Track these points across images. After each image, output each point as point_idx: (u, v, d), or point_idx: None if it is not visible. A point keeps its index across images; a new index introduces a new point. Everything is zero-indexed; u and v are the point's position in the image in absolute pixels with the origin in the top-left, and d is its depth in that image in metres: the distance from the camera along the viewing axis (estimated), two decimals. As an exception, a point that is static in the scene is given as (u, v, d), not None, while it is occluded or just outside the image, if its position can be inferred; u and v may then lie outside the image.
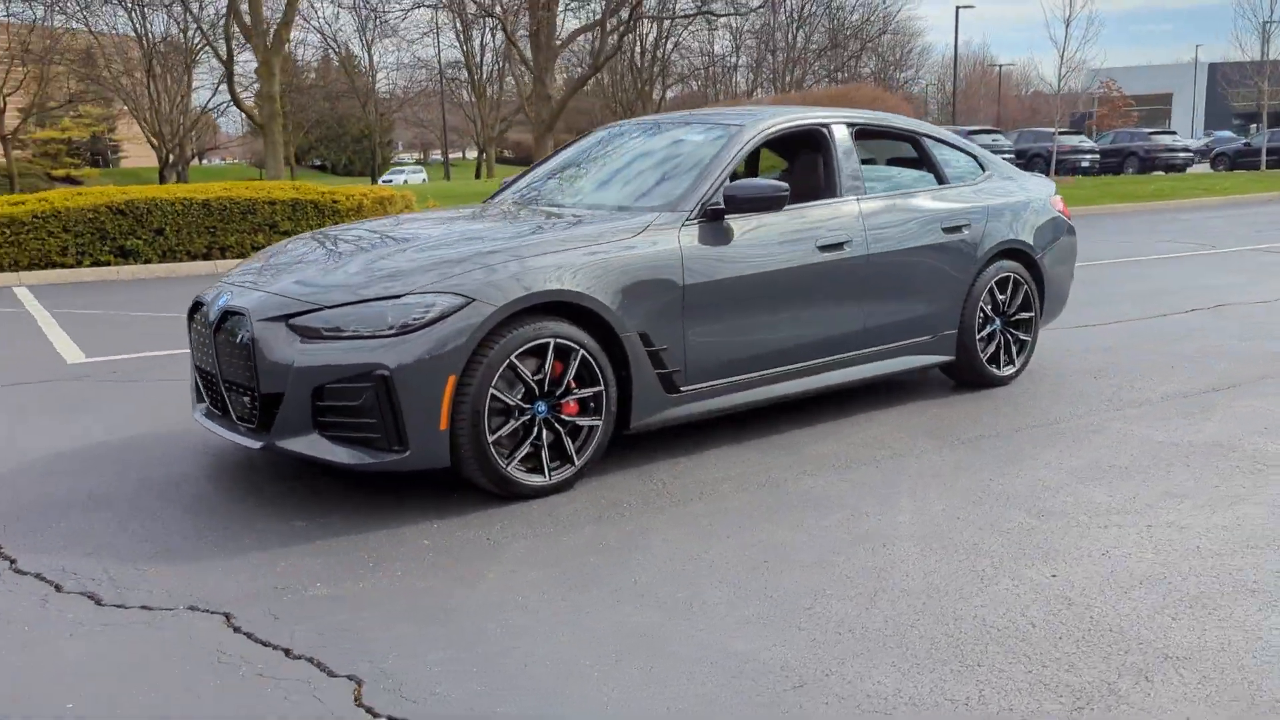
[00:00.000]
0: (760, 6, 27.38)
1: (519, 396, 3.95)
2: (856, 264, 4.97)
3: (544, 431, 4.03)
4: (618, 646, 2.86)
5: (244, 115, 24.91)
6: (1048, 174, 26.26)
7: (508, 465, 3.94)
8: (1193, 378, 5.84)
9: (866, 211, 5.09)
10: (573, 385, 4.09)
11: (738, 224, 4.64)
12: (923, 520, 3.77)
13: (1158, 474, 4.24)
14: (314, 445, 3.83)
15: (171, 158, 42.69)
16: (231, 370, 4.05)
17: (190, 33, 33.27)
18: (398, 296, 3.82)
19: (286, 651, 2.85)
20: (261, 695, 2.62)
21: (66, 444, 4.91)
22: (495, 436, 3.89)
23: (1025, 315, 5.80)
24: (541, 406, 4.02)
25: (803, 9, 48.62)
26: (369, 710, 2.55)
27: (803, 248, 4.78)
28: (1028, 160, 29.62)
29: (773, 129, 5.04)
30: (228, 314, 4.07)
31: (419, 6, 23.81)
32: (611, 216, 4.52)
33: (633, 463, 4.50)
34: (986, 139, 28.95)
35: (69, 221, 11.90)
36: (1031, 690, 2.60)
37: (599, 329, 4.16)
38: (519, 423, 3.96)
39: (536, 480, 4.02)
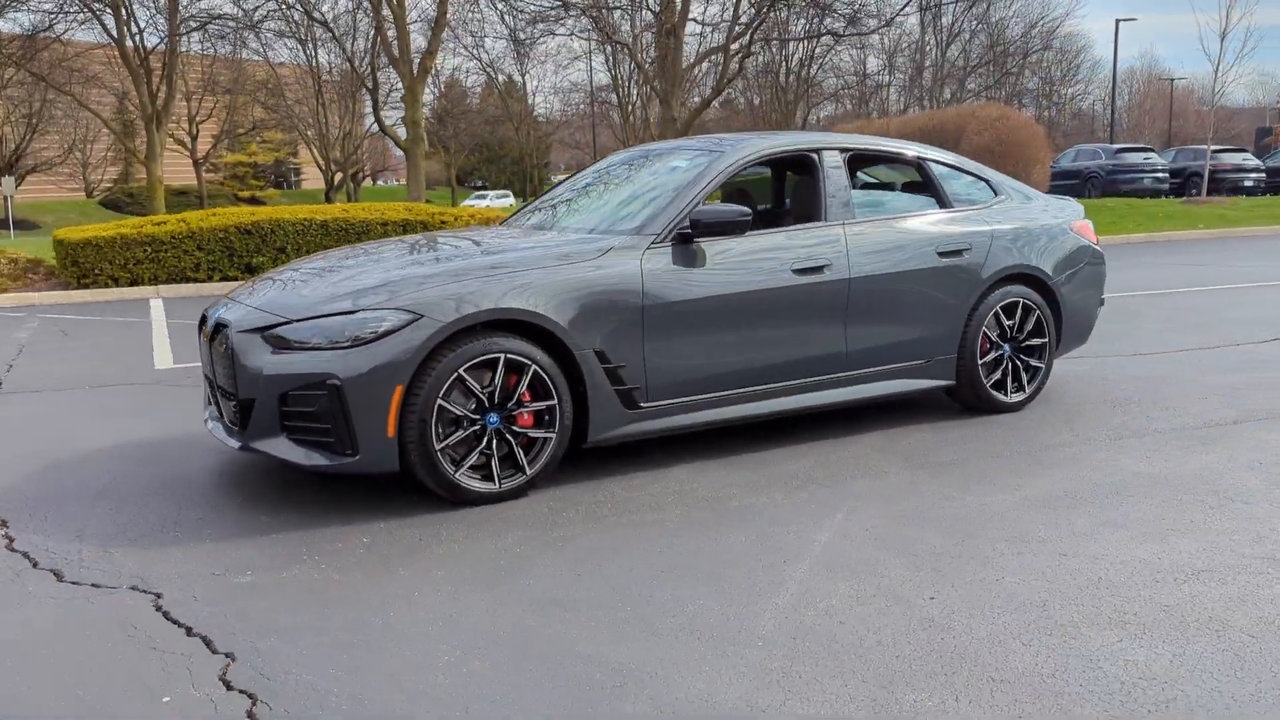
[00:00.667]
0: (884, 26, 26.95)
1: (470, 408, 4.21)
2: (836, 287, 5.03)
3: (494, 442, 4.28)
4: (479, 643, 3.07)
5: (393, 139, 26.21)
6: (1203, 193, 24.93)
7: (456, 472, 4.20)
8: (1222, 409, 5.62)
9: (852, 235, 5.14)
10: (526, 399, 4.33)
11: (711, 247, 4.79)
12: (839, 540, 3.83)
13: (1112, 504, 4.16)
14: (281, 447, 4.19)
15: (338, 179, 45.17)
16: (222, 377, 4.46)
17: (357, 63, 35.13)
18: (353, 312, 4.14)
19: (188, 630, 3.18)
20: (143, 665, 2.95)
21: (113, 440, 5.45)
22: (443, 444, 4.16)
23: (1038, 342, 5.70)
24: (494, 418, 4.27)
25: (952, 25, 47.55)
26: (226, 684, 2.84)
27: (776, 271, 4.89)
28: (1185, 179, 28.16)
29: (754, 156, 5.17)
30: (219, 326, 4.49)
31: (550, 35, 24.57)
32: (582, 239, 4.76)
33: (596, 474, 4.69)
34: (1138, 156, 27.72)
35: (202, 240, 12.91)
36: (835, 701, 2.68)
37: (553, 346, 4.38)
38: (468, 432, 4.22)
39: (485, 487, 4.27)
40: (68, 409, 6.32)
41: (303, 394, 4.10)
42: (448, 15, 23.02)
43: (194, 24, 26.52)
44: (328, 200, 43.46)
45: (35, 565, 3.73)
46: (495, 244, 4.81)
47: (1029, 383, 5.72)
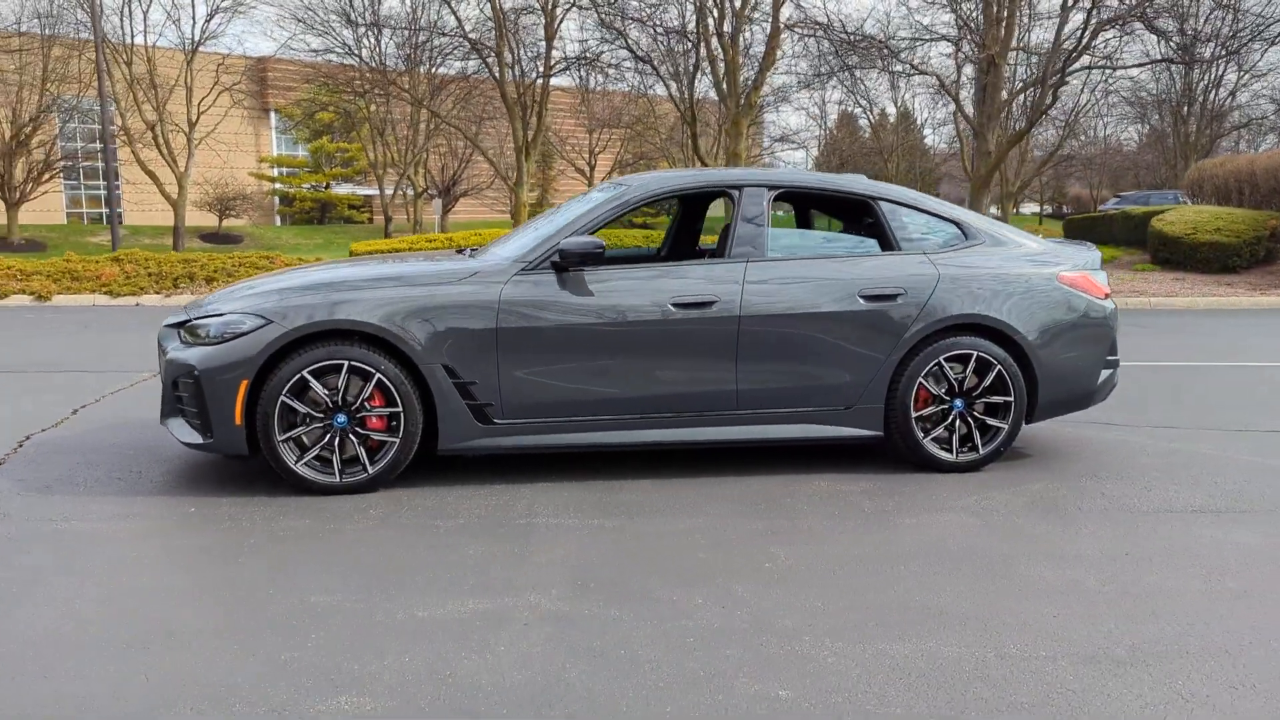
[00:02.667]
0: (1229, 54, 23.46)
1: (317, 406, 4.74)
2: (724, 324, 4.98)
3: (338, 439, 4.77)
4: (92, 603, 3.52)
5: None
6: None
7: (297, 463, 4.74)
8: (1202, 496, 4.83)
9: (753, 273, 5.06)
10: (377, 404, 4.78)
11: (594, 277, 4.96)
12: (537, 566, 3.90)
13: (863, 572, 3.86)
14: (176, 425, 4.95)
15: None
16: (169, 365, 5.33)
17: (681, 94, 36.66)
18: (223, 314, 4.83)
19: (-31, 553, 3.99)
20: (-102, 571, 3.78)
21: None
22: (285, 437, 4.72)
23: (999, 400, 5.21)
24: (341, 418, 4.77)
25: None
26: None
27: (653, 304, 4.94)
28: None
29: (657, 192, 5.27)
30: (171, 322, 5.36)
31: (852, 69, 24.17)
32: (460, 263, 5.11)
33: (463, 481, 5.02)
34: None
35: (465, 256, 14.46)
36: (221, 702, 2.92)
37: (402, 358, 4.79)
38: (312, 428, 4.75)
39: (326, 480, 4.77)
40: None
41: (183, 381, 4.83)
42: (777, 52, 23.56)
43: (561, 65, 29.15)
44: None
45: (-25, 496, 4.75)
46: (386, 265, 5.27)
47: (985, 444, 5.24)
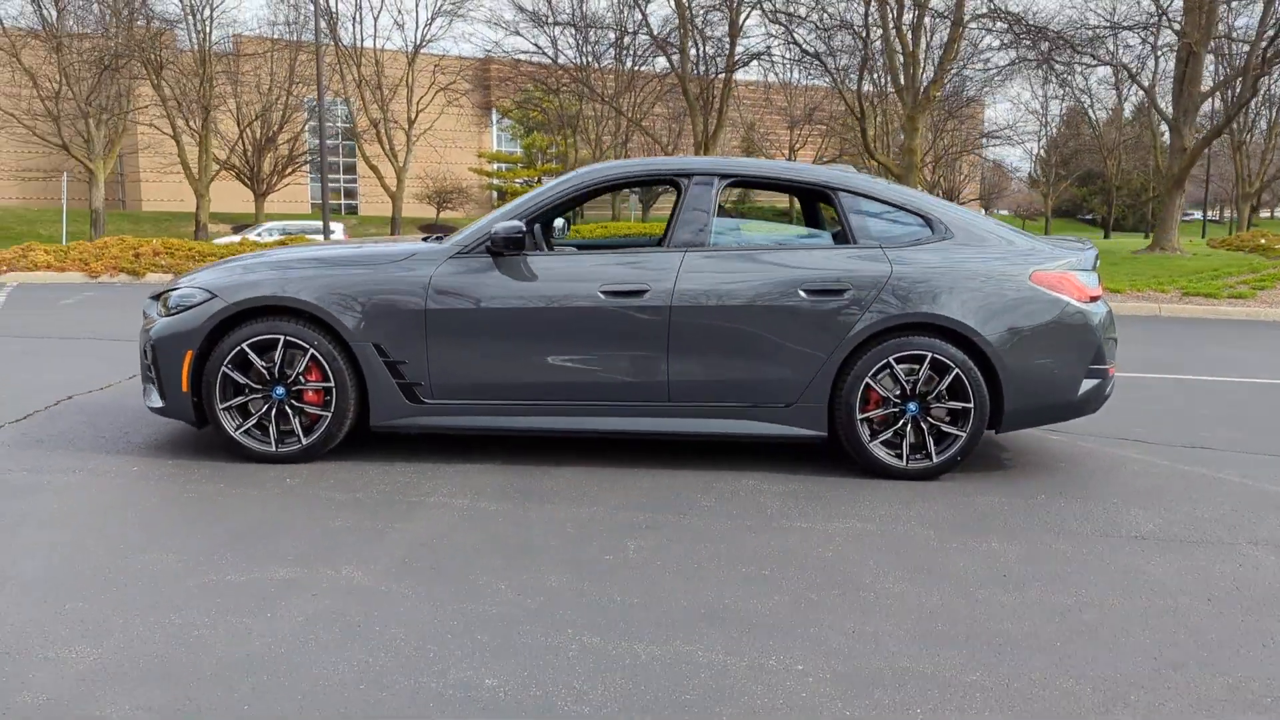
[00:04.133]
0: None
1: (258, 379, 4.97)
2: (654, 314, 4.86)
3: (274, 411, 4.97)
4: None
5: (886, 166, 26.24)
6: None
7: (236, 430, 4.98)
8: (1188, 526, 4.34)
9: (690, 262, 4.91)
10: (308, 378, 4.96)
11: (535, 262, 4.97)
12: (394, 550, 3.94)
13: (715, 578, 3.70)
14: (148, 390, 5.30)
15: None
16: (163, 335, 5.69)
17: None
18: (179, 288, 5.12)
19: (-88, 494, 4.43)
20: None
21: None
22: (226, 405, 4.97)
23: (958, 405, 4.85)
24: (279, 390, 4.98)
25: None
26: None
27: (583, 291, 4.89)
28: None
29: (607, 179, 5.20)
30: (171, 295, 5.72)
31: (1041, 63, 22.47)
32: (403, 248, 5.18)
33: (393, 456, 5.13)
34: None
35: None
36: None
37: (336, 335, 4.95)
38: (251, 399, 4.98)
39: (263, 449, 4.98)
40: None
41: (148, 348, 5.16)
42: (959, 44, 22.51)
43: (741, 61, 28.99)
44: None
45: (-32, 445, 5.27)
46: (346, 248, 5.43)
47: (940, 452, 4.89)
